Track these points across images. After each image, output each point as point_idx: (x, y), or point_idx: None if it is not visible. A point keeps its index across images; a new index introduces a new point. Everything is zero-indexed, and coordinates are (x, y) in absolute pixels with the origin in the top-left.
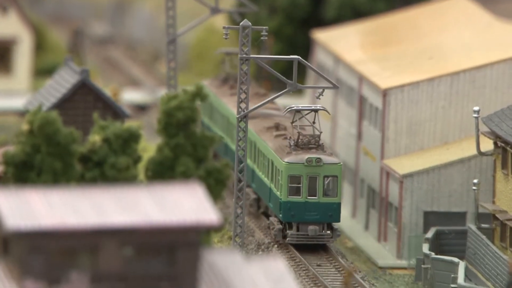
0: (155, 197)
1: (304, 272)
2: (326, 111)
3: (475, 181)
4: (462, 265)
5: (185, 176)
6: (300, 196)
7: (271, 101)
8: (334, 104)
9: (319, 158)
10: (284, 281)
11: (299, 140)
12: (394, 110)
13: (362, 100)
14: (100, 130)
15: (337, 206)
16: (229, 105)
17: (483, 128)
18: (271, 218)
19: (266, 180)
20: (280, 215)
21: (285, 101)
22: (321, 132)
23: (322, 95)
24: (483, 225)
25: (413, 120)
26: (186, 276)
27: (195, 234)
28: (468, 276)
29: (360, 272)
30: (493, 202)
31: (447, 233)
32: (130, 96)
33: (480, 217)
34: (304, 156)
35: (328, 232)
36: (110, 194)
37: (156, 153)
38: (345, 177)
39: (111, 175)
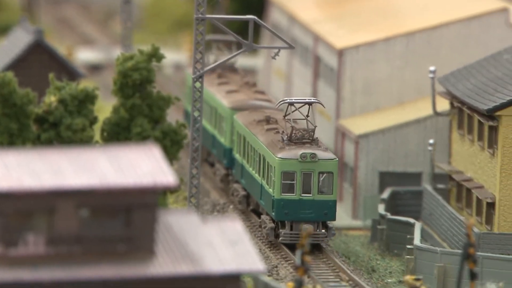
0: (111, 158)
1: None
2: (321, 103)
3: (431, 141)
4: (418, 226)
5: (141, 137)
6: (293, 193)
7: (227, 61)
8: (289, 64)
9: (313, 153)
10: (241, 242)
11: (293, 135)
12: (349, 70)
13: (317, 59)
14: (56, 91)
15: (333, 204)
16: (217, 96)
17: (439, 88)
18: (263, 216)
19: (257, 177)
20: (273, 213)
21: (241, 61)
22: (315, 126)
23: (278, 55)
24: (439, 186)
25: (369, 80)
26: (143, 237)
27: (151, 195)
28: (424, 237)
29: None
30: (449, 163)
31: (403, 194)
32: (84, 56)
33: (436, 178)
34: (298, 152)
35: (323, 231)
36: (66, 155)
37: (112, 114)
38: None
39: (67, 136)
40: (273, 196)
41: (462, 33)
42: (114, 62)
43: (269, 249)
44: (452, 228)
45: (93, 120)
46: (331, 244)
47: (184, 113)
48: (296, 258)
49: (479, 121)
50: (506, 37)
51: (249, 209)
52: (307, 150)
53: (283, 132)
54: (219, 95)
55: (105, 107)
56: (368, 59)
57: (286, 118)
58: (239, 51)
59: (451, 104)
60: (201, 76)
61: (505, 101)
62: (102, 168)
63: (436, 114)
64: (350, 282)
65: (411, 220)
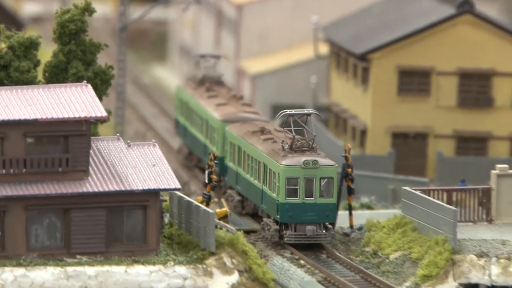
0: (52, 95)
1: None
2: (319, 114)
3: (313, 79)
4: None
5: (76, 77)
6: (297, 197)
7: (146, 14)
8: (196, 16)
9: (315, 160)
10: (159, 164)
11: (293, 144)
12: (246, 21)
13: (220, 13)
14: (6, 39)
15: (333, 207)
16: (208, 109)
17: (322, 35)
18: (265, 219)
19: (256, 183)
20: (278, 216)
21: (155, 14)
22: (315, 136)
23: (188, 10)
24: (322, 118)
25: (263, 29)
26: (78, 160)
27: (85, 125)
28: None
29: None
30: (329, 97)
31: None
32: (29, 9)
33: (318, 109)
34: (301, 159)
35: (324, 231)
36: (15, 92)
37: (52, 58)
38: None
39: (15, 77)
40: (278, 200)
41: None
42: (54, 15)
43: (181, 168)
44: (332, 151)
45: (37, 63)
46: None
47: (175, 122)
48: (205, 177)
49: (354, 63)
50: None
51: (244, 212)
52: (309, 158)
53: (282, 141)
54: (209, 108)
55: (46, 52)
56: (262, 12)
57: (284, 128)
58: (155, 4)
59: (331, 49)
60: (125, 27)
61: (375, 46)
62: (44, 103)
63: (318, 57)
64: None
65: None
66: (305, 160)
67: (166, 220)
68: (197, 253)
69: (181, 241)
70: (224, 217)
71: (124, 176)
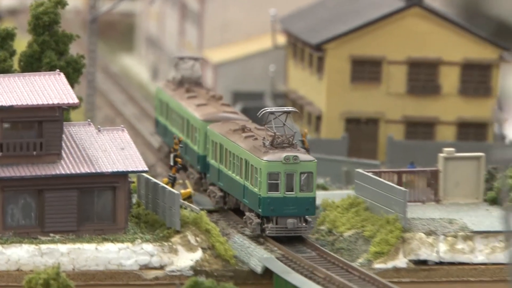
0: (27, 83)
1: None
2: (298, 112)
3: (272, 68)
4: None
5: (50, 66)
6: (278, 191)
7: (115, 6)
8: (162, 8)
9: (296, 156)
10: (128, 148)
11: (275, 140)
12: (209, 13)
13: (184, 5)
14: None
15: (313, 200)
16: (189, 108)
17: (280, 27)
18: (247, 213)
19: (238, 179)
20: (260, 210)
21: (124, 6)
22: (295, 132)
23: (154, 2)
24: (278, 102)
25: (225, 20)
26: (51, 144)
27: (58, 111)
28: None
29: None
30: (286, 84)
31: (251, 108)
32: (5, 2)
33: (276, 96)
34: (282, 155)
35: (304, 224)
36: None
37: (27, 48)
38: (171, 66)
39: None
40: (260, 194)
41: None
42: (29, 8)
43: (148, 151)
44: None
45: (12, 53)
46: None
47: (155, 122)
48: (171, 160)
49: (310, 53)
50: None
51: (226, 207)
52: (290, 153)
53: (264, 138)
54: (190, 108)
55: (21, 43)
56: (224, 5)
57: (265, 126)
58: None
59: (288, 39)
60: (95, 19)
61: (330, 37)
62: (20, 90)
63: (276, 47)
64: None
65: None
66: (286, 156)
67: (134, 200)
68: (163, 232)
69: (148, 220)
70: (188, 198)
71: (94, 159)
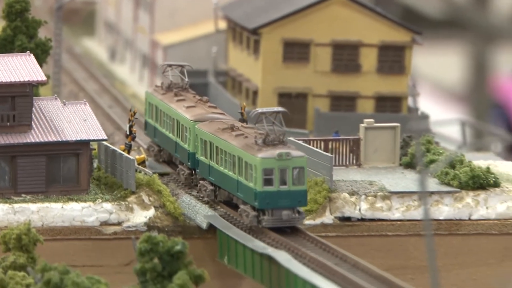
0: (1, 63)
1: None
2: (287, 113)
3: (214, 49)
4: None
5: (21, 48)
6: (273, 186)
7: None
8: None
9: (288, 152)
10: (89, 119)
11: (266, 138)
12: (160, 0)
13: None
14: None
15: (304, 193)
16: (179, 110)
17: (221, 13)
18: (242, 206)
19: (231, 174)
20: (256, 204)
21: None
22: (285, 131)
23: None
24: (219, 79)
25: (173, 7)
26: (23, 116)
27: (28, 87)
28: None
29: (136, 111)
30: (226, 64)
31: (195, 85)
32: None
33: (217, 74)
34: (275, 152)
35: (297, 215)
36: None
37: (1, 32)
38: (126, 48)
39: None
40: (255, 189)
41: None
42: None
43: (107, 122)
44: (230, 109)
45: None
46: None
47: (144, 124)
48: (127, 130)
49: (247, 36)
50: None
51: (217, 200)
52: (282, 150)
53: (255, 136)
54: (180, 110)
55: None
56: None
57: (256, 125)
58: None
59: (228, 24)
60: (61, 7)
61: (265, 22)
62: None
63: (218, 31)
64: None
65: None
66: (279, 153)
67: (95, 165)
68: (120, 192)
69: (107, 182)
70: (142, 163)
71: (60, 129)
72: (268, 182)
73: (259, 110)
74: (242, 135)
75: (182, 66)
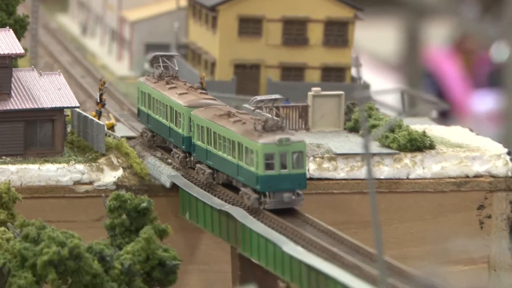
0: None
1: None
2: (284, 99)
3: (176, 25)
4: None
5: (1, 24)
6: (274, 170)
7: None
8: None
9: (288, 138)
10: (63, 88)
11: (266, 125)
12: None
13: None
14: None
15: (304, 176)
16: (172, 97)
17: None
18: (243, 189)
19: (231, 158)
20: (258, 187)
21: None
22: (283, 118)
23: None
24: (182, 52)
25: None
26: (3, 85)
27: (8, 60)
28: None
29: (106, 81)
30: (187, 38)
31: (159, 56)
32: None
33: (179, 47)
34: (275, 137)
35: (297, 197)
36: None
37: None
38: (97, 23)
39: None
40: (257, 173)
41: None
42: None
43: (79, 91)
44: (191, 78)
45: None
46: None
47: (137, 111)
48: (98, 97)
49: (206, 13)
50: None
51: (215, 182)
52: (282, 136)
53: (254, 122)
54: (173, 97)
55: None
56: None
57: (255, 112)
58: None
59: (188, 2)
60: None
61: (222, 0)
62: None
63: (179, 8)
64: None
65: None
66: (280, 138)
67: (69, 130)
68: (91, 155)
69: (80, 146)
70: (111, 128)
71: (37, 97)
72: (269, 166)
73: (257, 98)
74: (239, 121)
75: (172, 56)
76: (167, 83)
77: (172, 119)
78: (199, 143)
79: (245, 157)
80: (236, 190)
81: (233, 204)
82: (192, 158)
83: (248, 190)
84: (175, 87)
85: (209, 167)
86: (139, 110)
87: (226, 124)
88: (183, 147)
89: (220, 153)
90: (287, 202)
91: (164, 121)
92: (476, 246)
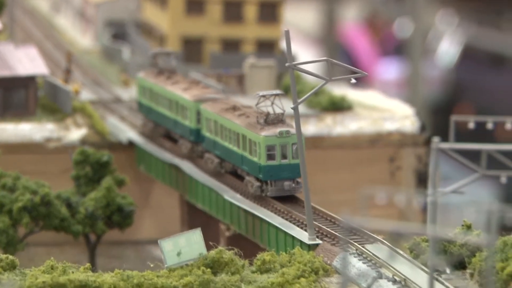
0: None
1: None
2: (284, 95)
3: (133, 5)
4: (125, 52)
5: None
6: (275, 160)
7: None
8: None
9: (288, 130)
10: (35, 59)
11: (267, 118)
12: None
13: None
14: None
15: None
16: (177, 92)
17: None
18: (247, 177)
19: (236, 149)
20: (261, 176)
21: None
22: (284, 111)
23: None
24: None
25: None
26: None
27: None
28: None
29: (72, 54)
30: (142, 16)
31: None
32: None
33: (136, 25)
34: (276, 130)
35: (296, 185)
36: None
37: None
38: (67, 4)
39: None
40: (260, 163)
41: None
42: None
43: (50, 62)
44: (142, 49)
45: None
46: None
47: (138, 104)
48: (67, 66)
49: None
50: None
51: (222, 171)
52: (283, 128)
53: (257, 116)
54: (178, 92)
55: None
56: None
57: (257, 106)
58: None
59: None
60: None
61: None
62: None
63: None
64: None
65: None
66: (280, 131)
67: (40, 94)
68: (60, 116)
69: (50, 108)
70: (77, 92)
71: (13, 66)
72: (270, 157)
73: (260, 93)
74: (244, 114)
75: (169, 54)
76: (168, 78)
77: (178, 112)
78: (207, 134)
79: (249, 148)
80: (241, 178)
81: (238, 192)
82: (200, 148)
83: (252, 178)
84: (177, 82)
85: (217, 156)
86: (139, 103)
87: (231, 117)
88: (191, 138)
89: (226, 144)
90: (287, 190)
91: (169, 114)
92: (389, 194)
